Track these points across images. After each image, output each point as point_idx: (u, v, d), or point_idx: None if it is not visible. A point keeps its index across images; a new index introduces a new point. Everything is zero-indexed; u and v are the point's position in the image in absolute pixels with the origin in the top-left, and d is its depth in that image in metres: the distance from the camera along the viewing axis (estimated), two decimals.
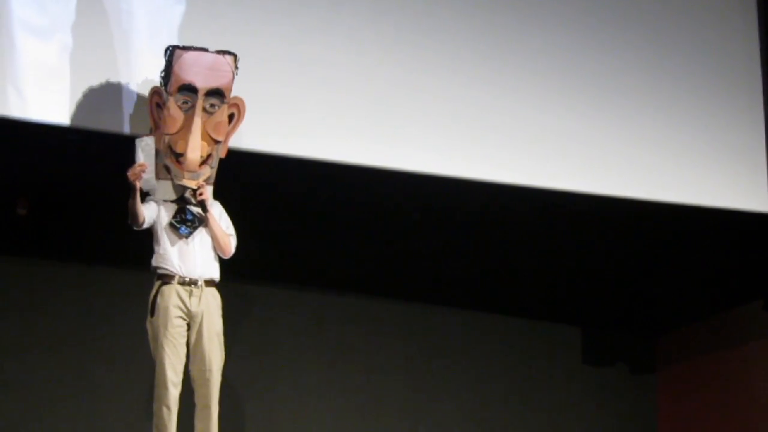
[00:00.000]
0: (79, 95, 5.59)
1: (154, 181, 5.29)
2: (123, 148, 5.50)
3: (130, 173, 5.11)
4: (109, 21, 5.69)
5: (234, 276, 5.54)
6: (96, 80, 5.60)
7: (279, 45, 5.93)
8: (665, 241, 7.01)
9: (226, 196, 5.52)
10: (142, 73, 5.58)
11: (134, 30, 5.71)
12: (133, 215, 5.18)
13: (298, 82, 5.93)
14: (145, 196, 5.31)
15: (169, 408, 5.24)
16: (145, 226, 5.27)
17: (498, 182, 6.25)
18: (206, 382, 5.30)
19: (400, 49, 6.15)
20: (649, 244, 7.07)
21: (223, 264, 5.43)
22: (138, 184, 5.12)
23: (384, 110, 6.08)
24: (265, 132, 5.83)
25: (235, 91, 5.42)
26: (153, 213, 5.29)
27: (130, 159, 5.35)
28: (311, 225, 6.85)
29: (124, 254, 6.44)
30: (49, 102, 5.56)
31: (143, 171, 5.12)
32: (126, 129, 5.60)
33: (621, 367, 8.33)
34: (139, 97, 5.55)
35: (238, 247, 5.45)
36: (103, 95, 5.60)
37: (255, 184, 6.25)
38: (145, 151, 5.22)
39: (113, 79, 5.63)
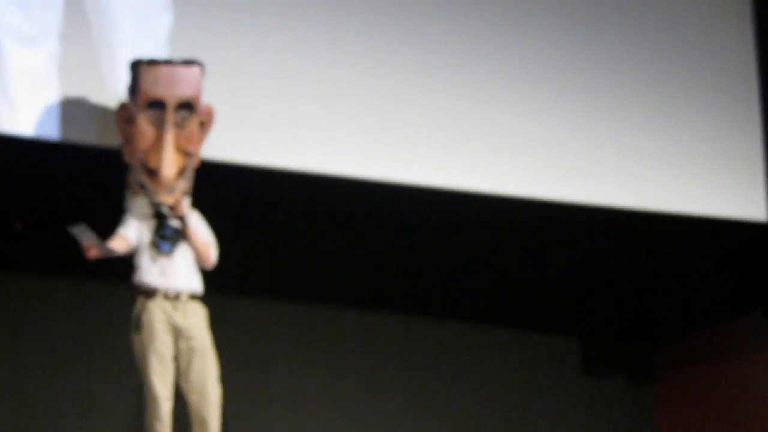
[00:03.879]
0: (68, 108, 5.60)
1: (112, 249, 5.22)
2: (117, 161, 5.49)
3: (88, 257, 5.14)
4: (98, 31, 5.68)
5: (229, 291, 5.52)
6: (85, 92, 5.61)
7: (269, 57, 5.92)
8: (664, 251, 6.98)
9: (220, 209, 5.49)
10: None
11: (122, 41, 5.70)
12: (120, 254, 5.22)
13: (286, 93, 5.92)
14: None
15: (162, 422, 5.23)
16: (134, 248, 5.29)
17: (493, 193, 6.23)
18: (202, 395, 5.27)
19: (392, 61, 6.14)
20: (647, 254, 7.04)
21: (220, 279, 5.40)
22: (101, 254, 5.16)
23: (375, 122, 6.07)
24: (258, 145, 5.83)
25: (225, 104, 5.42)
26: (135, 233, 5.30)
27: (124, 172, 5.37)
28: (308, 238, 6.84)
29: (120, 268, 6.42)
30: (37, 114, 5.56)
31: (96, 250, 5.13)
32: (118, 143, 5.59)
33: (620, 378, 8.29)
34: None
35: (235, 261, 5.42)
36: (93, 107, 5.60)
37: (250, 197, 6.24)
38: (83, 234, 5.13)
39: (107, 92, 5.62)
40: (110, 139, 5.56)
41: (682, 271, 7.16)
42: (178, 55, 5.41)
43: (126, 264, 5.68)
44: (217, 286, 5.45)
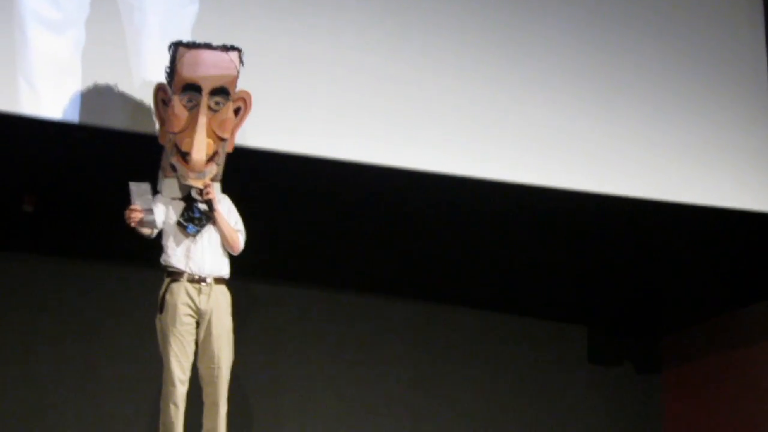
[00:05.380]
0: (90, 92, 5.58)
1: (155, 221, 5.22)
2: (131, 145, 5.50)
3: (126, 218, 5.14)
4: (121, 18, 5.68)
5: (242, 274, 5.53)
6: (107, 78, 5.60)
7: (289, 43, 5.92)
8: (671, 240, 7.01)
9: (233, 193, 5.51)
10: (155, 72, 5.50)
11: (146, 28, 5.70)
12: (142, 234, 5.22)
13: (306, 80, 5.93)
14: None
15: (176, 405, 5.24)
16: (156, 232, 5.28)
17: (503, 181, 6.24)
18: (215, 380, 5.29)
19: (409, 47, 6.16)
20: (655, 244, 7.07)
21: (233, 263, 5.41)
22: (140, 224, 5.16)
23: (392, 109, 6.08)
24: (274, 130, 5.83)
25: (248, 88, 5.39)
26: (161, 215, 5.29)
27: (138, 156, 5.36)
28: (319, 223, 6.85)
29: (130, 251, 6.42)
30: (59, 98, 5.55)
31: (139, 215, 5.13)
32: (136, 126, 5.60)
33: (627, 366, 8.33)
34: (151, 95, 5.50)
35: (247, 245, 5.43)
36: (115, 93, 5.60)
37: (263, 181, 6.25)
38: (139, 195, 5.16)
39: (125, 76, 5.62)
40: (131, 124, 5.58)
41: (688, 261, 7.19)
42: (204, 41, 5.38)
43: (137, 248, 5.71)
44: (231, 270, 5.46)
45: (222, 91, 5.25)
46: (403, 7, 6.21)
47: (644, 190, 6.43)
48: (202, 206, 5.29)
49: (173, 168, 5.29)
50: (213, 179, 5.32)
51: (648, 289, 7.58)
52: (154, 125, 5.46)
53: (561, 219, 6.76)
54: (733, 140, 6.62)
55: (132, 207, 5.15)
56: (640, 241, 7.04)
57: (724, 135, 6.61)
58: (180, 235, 5.28)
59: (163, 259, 5.32)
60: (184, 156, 5.21)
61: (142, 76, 5.61)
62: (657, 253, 7.17)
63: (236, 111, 5.39)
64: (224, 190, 5.46)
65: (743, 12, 6.80)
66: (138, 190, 5.15)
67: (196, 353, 5.28)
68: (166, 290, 5.28)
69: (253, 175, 6.08)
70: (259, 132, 5.74)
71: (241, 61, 5.32)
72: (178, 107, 5.22)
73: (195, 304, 5.26)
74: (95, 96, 5.58)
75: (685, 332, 8.18)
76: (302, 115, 5.91)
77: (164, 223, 5.30)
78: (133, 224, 5.15)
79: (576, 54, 6.43)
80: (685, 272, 7.31)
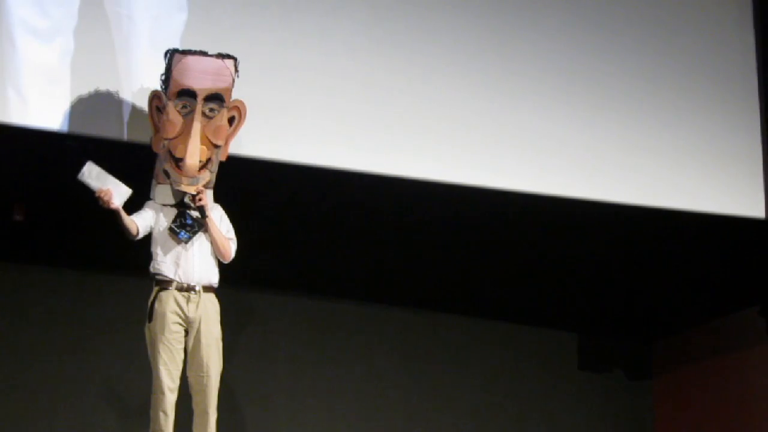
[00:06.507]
0: (79, 101, 5.58)
1: (127, 192, 5.18)
2: (122, 154, 5.50)
3: (102, 204, 5.08)
4: (110, 27, 5.69)
5: (233, 283, 5.53)
6: (96, 86, 5.60)
7: (278, 51, 5.93)
8: (662, 247, 7.02)
9: (224, 202, 5.51)
10: (143, 80, 5.56)
11: (135, 36, 5.70)
12: (125, 231, 5.18)
13: (296, 88, 5.93)
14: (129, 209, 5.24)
15: (165, 414, 5.23)
16: (141, 235, 5.26)
17: (494, 188, 6.24)
18: (204, 388, 5.29)
19: (399, 55, 6.17)
20: (645, 250, 7.07)
21: (223, 271, 5.41)
22: (115, 206, 5.09)
23: (382, 116, 6.08)
24: (264, 138, 5.82)
25: (236, 97, 5.39)
26: (149, 220, 5.28)
27: (129, 165, 5.35)
28: (310, 231, 6.86)
29: (120, 261, 6.44)
30: (48, 108, 5.55)
31: (108, 196, 5.08)
32: (125, 135, 5.60)
33: (618, 372, 8.35)
34: (140, 103, 5.52)
35: (237, 254, 5.42)
36: (103, 101, 5.60)
37: (253, 190, 6.24)
38: (93, 178, 5.11)
39: (114, 85, 5.62)
40: (121, 132, 5.57)
41: (679, 267, 7.19)
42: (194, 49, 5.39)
43: (128, 257, 5.71)
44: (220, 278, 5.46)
45: (217, 98, 5.26)
46: (393, 15, 6.22)
47: (634, 197, 6.44)
48: (195, 213, 5.28)
49: (166, 174, 5.29)
50: (206, 186, 5.31)
51: (638, 295, 7.59)
52: (144, 134, 5.46)
53: (551, 226, 6.76)
54: (724, 146, 6.63)
55: (98, 193, 5.08)
56: (630, 248, 7.04)
57: (714, 141, 6.62)
58: (170, 243, 5.27)
59: (153, 267, 5.30)
60: (178, 162, 5.22)
61: (132, 84, 5.61)
62: (647, 259, 7.17)
63: (230, 120, 5.40)
64: (216, 199, 5.46)
65: (733, 19, 6.81)
66: (90, 173, 5.09)
67: (185, 361, 5.27)
68: (154, 299, 5.26)
69: (245, 184, 6.07)
70: (251, 140, 5.73)
71: (237, 70, 5.33)
72: (173, 113, 5.23)
73: (183, 312, 5.24)
74: (84, 105, 5.58)
75: (675, 338, 8.20)
76: (295, 124, 5.91)
77: (155, 229, 5.28)
78: (111, 206, 5.07)
79: (565, 61, 6.44)
80: (676, 278, 7.32)
